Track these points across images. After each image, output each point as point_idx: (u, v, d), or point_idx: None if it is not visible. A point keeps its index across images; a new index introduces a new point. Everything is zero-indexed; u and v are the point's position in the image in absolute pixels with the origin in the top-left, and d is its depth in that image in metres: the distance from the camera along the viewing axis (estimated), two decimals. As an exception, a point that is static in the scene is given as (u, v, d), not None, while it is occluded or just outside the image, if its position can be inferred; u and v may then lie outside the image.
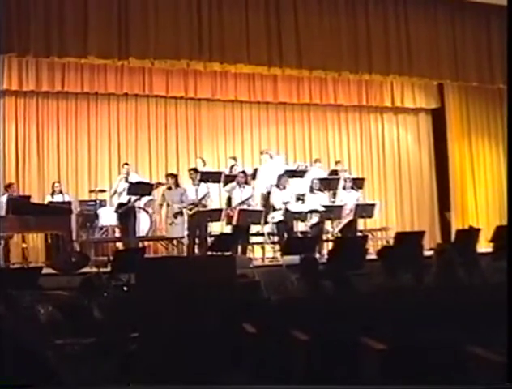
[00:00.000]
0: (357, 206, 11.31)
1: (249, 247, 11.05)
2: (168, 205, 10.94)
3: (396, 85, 14.16)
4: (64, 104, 12.47)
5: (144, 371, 4.79)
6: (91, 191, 11.83)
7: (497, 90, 13.85)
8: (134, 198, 10.72)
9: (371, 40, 12.17)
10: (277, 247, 11.00)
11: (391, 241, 10.00)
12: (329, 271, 7.08)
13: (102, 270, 8.59)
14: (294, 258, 8.57)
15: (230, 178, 11.33)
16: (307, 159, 13.57)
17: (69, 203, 11.16)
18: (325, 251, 10.55)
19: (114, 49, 10.64)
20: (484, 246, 9.72)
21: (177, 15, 10.98)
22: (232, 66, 11.74)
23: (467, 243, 8.63)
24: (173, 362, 4.76)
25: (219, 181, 11.36)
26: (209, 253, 9.43)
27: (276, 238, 11.14)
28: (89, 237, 11.11)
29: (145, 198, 11.24)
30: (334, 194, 11.84)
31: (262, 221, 10.80)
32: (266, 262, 10.73)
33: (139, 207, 11.11)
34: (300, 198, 11.27)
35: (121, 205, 10.85)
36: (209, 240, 10.39)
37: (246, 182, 11.18)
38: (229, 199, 11.25)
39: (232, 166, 12.03)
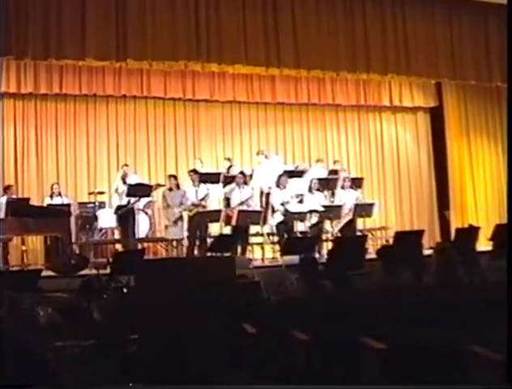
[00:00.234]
0: (356, 205, 11.30)
1: (249, 248, 11.05)
2: (168, 206, 10.91)
3: (394, 84, 14.16)
4: (62, 107, 12.47)
5: (144, 373, 4.79)
6: (90, 193, 11.83)
7: (495, 88, 13.87)
8: (133, 199, 10.72)
9: (369, 40, 12.16)
10: (277, 247, 11.00)
11: (391, 241, 9.99)
12: (328, 271, 7.09)
13: (101, 272, 8.58)
14: (293, 259, 8.58)
15: (229, 179, 11.33)
16: (306, 159, 13.59)
17: (68, 205, 11.16)
18: (324, 251, 10.55)
19: (112, 50, 10.63)
20: (483, 245, 9.72)
21: (174, 16, 10.97)
22: (230, 67, 11.74)
23: (467, 242, 8.64)
24: (173, 363, 4.76)
25: (218, 182, 11.38)
26: (208, 254, 9.44)
27: (276, 238, 11.14)
28: (88, 239, 11.11)
29: (144, 200, 11.24)
30: (333, 194, 11.83)
31: (262, 222, 10.81)
32: (266, 263, 10.73)
33: (139, 209, 11.11)
34: (299, 198, 11.26)
35: (120, 207, 10.85)
36: (208, 241, 10.39)
37: (245, 183, 11.18)
38: (227, 200, 11.24)
39: (230, 167, 12.03)
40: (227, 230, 10.81)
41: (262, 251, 11.14)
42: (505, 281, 4.33)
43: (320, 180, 11.59)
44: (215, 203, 11.42)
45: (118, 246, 11.29)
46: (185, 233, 10.85)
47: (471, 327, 3.98)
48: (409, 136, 14.74)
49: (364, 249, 9.08)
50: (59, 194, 11.34)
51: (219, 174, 11.67)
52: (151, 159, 12.97)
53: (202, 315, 4.99)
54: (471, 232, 9.49)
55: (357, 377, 3.92)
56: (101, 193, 11.72)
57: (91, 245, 11.05)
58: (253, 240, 11.25)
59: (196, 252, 10.62)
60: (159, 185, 11.68)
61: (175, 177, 11.23)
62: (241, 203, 10.82)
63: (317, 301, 5.45)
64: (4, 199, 10.46)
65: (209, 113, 13.42)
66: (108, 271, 8.30)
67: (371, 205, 11.66)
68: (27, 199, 10.89)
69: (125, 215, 10.72)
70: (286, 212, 10.82)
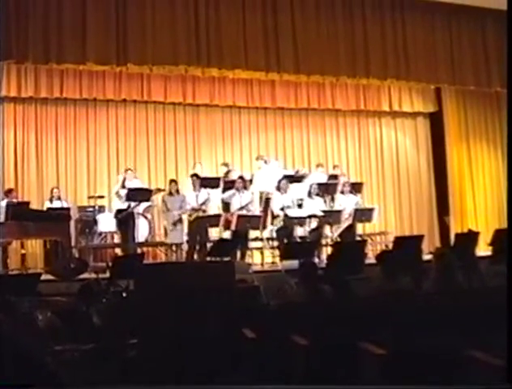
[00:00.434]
0: (356, 210, 11.31)
1: (249, 252, 11.05)
2: (168, 210, 10.90)
3: (394, 89, 14.18)
4: (63, 111, 12.48)
5: (143, 377, 4.79)
6: (89, 197, 11.82)
7: (494, 93, 13.90)
8: (133, 204, 10.72)
9: (368, 45, 12.20)
10: (276, 252, 11.00)
11: (390, 246, 9.99)
12: (328, 276, 7.08)
13: (101, 276, 8.57)
14: (293, 263, 8.58)
15: (228, 184, 11.31)
16: (305, 164, 13.60)
17: (68, 209, 11.16)
18: (324, 256, 10.55)
19: (112, 55, 10.65)
20: (483, 250, 9.72)
21: (174, 21, 11.01)
22: (230, 72, 11.76)
23: (466, 247, 8.63)
24: (173, 368, 4.75)
25: (218, 187, 11.38)
26: (208, 258, 9.43)
27: (275, 243, 11.14)
28: (88, 243, 11.11)
29: (144, 204, 11.24)
30: (333, 199, 11.84)
31: (261, 226, 10.81)
32: (266, 268, 10.73)
33: (138, 213, 11.11)
34: (298, 202, 11.26)
35: (120, 211, 10.85)
36: (208, 245, 10.38)
37: (245, 187, 11.18)
38: (226, 205, 11.21)
39: (228, 172, 12.02)
40: (226, 235, 10.81)
41: (262, 256, 11.14)
42: (505, 286, 4.34)
43: (320, 185, 11.61)
44: (215, 207, 11.41)
45: (118, 250, 11.28)
46: (185, 238, 10.85)
47: (470, 332, 3.98)
48: (409, 141, 14.75)
49: (364, 254, 9.08)
50: (59, 198, 11.34)
51: (219, 179, 11.68)
52: (150, 163, 12.98)
53: (201, 320, 4.98)
54: (471, 238, 9.48)
55: (356, 383, 3.92)
56: (101, 197, 11.71)
57: (90, 249, 11.04)
58: (252, 245, 11.25)
59: (195, 256, 10.61)
60: (159, 190, 11.67)
61: (175, 182, 11.22)
62: (241, 208, 10.82)
63: (316, 306, 5.44)
64: (4, 203, 10.46)
65: (209, 118, 13.43)
66: (107, 275, 8.30)
67: (371, 210, 11.67)
68: (27, 203, 10.89)
69: (125, 220, 10.71)
70: (285, 217, 10.82)
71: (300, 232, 10.86)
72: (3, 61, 10.52)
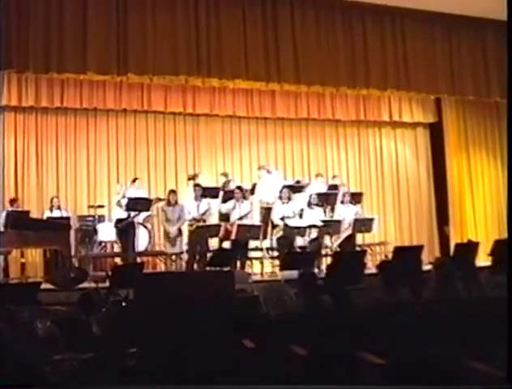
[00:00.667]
0: (356, 220, 11.31)
1: (248, 262, 11.04)
2: (167, 220, 10.88)
3: (394, 100, 14.21)
4: (63, 120, 12.50)
5: (143, 387, 4.77)
6: (89, 206, 11.84)
7: (493, 103, 13.93)
8: (133, 213, 10.72)
9: (368, 56, 12.24)
10: (276, 262, 10.99)
11: (390, 256, 9.98)
12: (327, 286, 7.07)
13: (101, 285, 8.56)
14: (293, 273, 8.57)
15: (228, 195, 11.30)
16: (305, 174, 13.62)
17: (68, 218, 11.16)
18: (324, 266, 10.54)
19: (113, 65, 10.68)
20: (483, 260, 9.71)
21: (175, 31, 11.04)
22: (230, 82, 11.78)
23: (466, 257, 8.63)
24: (172, 377, 4.74)
25: (217, 197, 11.37)
26: (208, 268, 9.42)
27: (275, 253, 11.13)
28: (88, 253, 11.11)
29: (144, 214, 11.24)
30: (333, 209, 11.83)
31: (262, 236, 10.81)
32: (265, 277, 10.71)
33: (138, 223, 11.11)
34: (299, 213, 11.25)
35: (120, 220, 10.85)
36: (208, 255, 10.37)
37: (244, 197, 11.17)
38: (224, 215, 11.16)
39: (228, 182, 12.01)
40: (226, 245, 10.79)
41: (262, 266, 11.12)
42: (505, 296, 4.34)
43: (319, 195, 11.59)
44: (215, 217, 11.39)
45: (117, 260, 11.27)
46: (184, 247, 10.84)
47: (470, 342, 3.97)
48: (408, 151, 14.77)
49: (363, 264, 9.07)
50: (59, 208, 11.35)
51: (218, 189, 11.69)
52: (150, 173, 12.99)
53: (201, 329, 4.98)
54: (471, 248, 9.47)
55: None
56: (101, 206, 11.73)
57: (90, 259, 11.05)
58: (252, 254, 11.24)
59: (195, 266, 10.60)
60: (159, 199, 11.68)
61: (175, 192, 11.21)
62: (240, 218, 10.81)
63: (316, 316, 5.43)
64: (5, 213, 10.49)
65: (209, 128, 13.45)
66: (107, 284, 8.29)
67: (370, 220, 11.66)
68: (27, 212, 10.90)
69: (125, 229, 10.71)
70: (286, 227, 10.82)
71: (299, 242, 10.85)
72: (4, 70, 10.56)
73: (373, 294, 6.48)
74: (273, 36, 11.66)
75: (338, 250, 11.10)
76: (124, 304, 7.00)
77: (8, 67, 10.32)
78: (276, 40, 11.66)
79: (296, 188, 11.95)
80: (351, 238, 11.27)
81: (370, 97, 13.83)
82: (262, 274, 10.96)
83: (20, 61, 10.28)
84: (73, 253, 10.65)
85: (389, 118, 14.35)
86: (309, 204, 11.22)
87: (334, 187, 12.44)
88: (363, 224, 11.44)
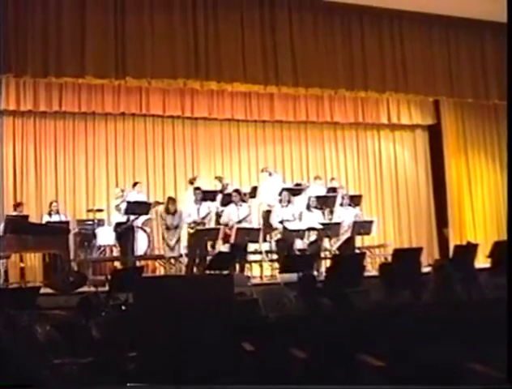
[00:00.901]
0: (355, 223, 11.30)
1: (247, 265, 11.03)
2: (167, 228, 10.88)
3: (392, 102, 14.21)
4: (61, 124, 12.49)
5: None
6: (88, 211, 11.83)
7: (492, 105, 13.94)
8: (132, 217, 10.71)
9: (367, 58, 12.26)
10: (275, 265, 10.99)
11: (389, 258, 9.98)
12: (327, 289, 7.07)
13: (100, 289, 8.55)
14: (292, 276, 8.56)
15: (227, 198, 11.28)
16: (304, 177, 13.60)
17: (67, 222, 11.16)
18: (323, 269, 10.54)
19: (111, 68, 10.69)
20: (482, 262, 9.72)
21: (173, 35, 11.05)
22: (228, 85, 11.78)
23: (465, 259, 8.63)
24: (171, 380, 4.74)
25: (214, 200, 11.35)
26: (207, 271, 9.42)
27: (274, 256, 11.12)
28: (87, 257, 11.09)
29: (143, 217, 11.23)
30: (332, 212, 11.83)
31: (261, 239, 10.80)
32: (265, 280, 10.71)
33: (137, 226, 11.10)
34: (298, 215, 11.25)
35: (119, 224, 10.84)
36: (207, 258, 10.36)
37: (243, 200, 11.16)
38: (221, 217, 11.13)
39: (226, 185, 11.98)
40: (222, 247, 10.77)
41: (261, 269, 11.12)
42: (504, 298, 4.34)
43: (318, 197, 11.58)
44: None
45: (117, 264, 11.26)
46: (183, 251, 10.84)
47: (469, 344, 3.97)
48: (407, 154, 14.77)
49: (363, 266, 9.07)
50: (57, 212, 11.34)
51: (217, 192, 11.67)
52: (149, 176, 12.97)
53: (200, 333, 4.97)
54: (470, 250, 9.47)
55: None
56: (100, 210, 11.72)
57: (89, 263, 11.02)
58: (251, 257, 11.23)
59: (195, 270, 10.59)
60: (157, 203, 11.68)
61: (174, 200, 11.20)
62: (239, 222, 10.79)
63: (315, 319, 5.43)
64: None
65: (207, 131, 13.45)
66: (106, 288, 8.28)
67: (370, 223, 11.65)
68: (26, 217, 10.90)
69: (125, 233, 10.70)
70: (285, 230, 10.81)
71: (299, 244, 10.85)
72: (2, 74, 10.54)
73: (373, 296, 6.49)
74: (271, 39, 11.68)
75: (337, 252, 11.09)
76: (123, 308, 6.99)
77: (6, 71, 10.32)
78: (274, 43, 11.67)
79: (295, 191, 11.94)
80: (350, 241, 11.27)
81: (369, 100, 13.83)
82: (261, 277, 10.96)
83: (18, 65, 10.29)
84: (72, 257, 10.64)
85: (387, 121, 14.34)
86: (308, 207, 11.21)
87: (333, 190, 12.43)
88: (362, 227, 11.43)
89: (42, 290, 8.01)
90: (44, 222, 11.13)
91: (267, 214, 11.38)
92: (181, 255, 10.87)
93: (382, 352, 3.93)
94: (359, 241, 12.09)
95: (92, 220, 11.49)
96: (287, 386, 4.03)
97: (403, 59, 12.58)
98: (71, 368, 4.89)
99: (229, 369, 4.70)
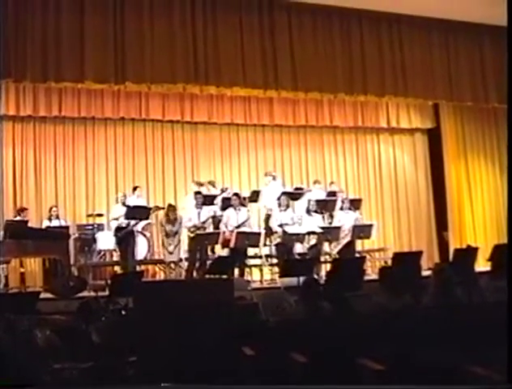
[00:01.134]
0: (355, 227, 11.29)
1: (247, 269, 11.02)
2: (167, 235, 10.87)
3: (391, 106, 14.22)
4: (61, 129, 12.49)
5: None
6: (88, 215, 11.82)
7: (491, 109, 13.95)
8: (132, 221, 10.71)
9: (366, 62, 12.28)
10: (275, 269, 10.98)
11: (389, 262, 9.98)
12: (327, 293, 7.07)
13: (100, 294, 8.55)
14: (292, 280, 8.56)
15: (226, 203, 11.27)
16: (304, 181, 13.60)
17: (66, 227, 11.15)
18: (323, 273, 10.53)
19: (111, 73, 10.70)
20: (482, 265, 9.72)
21: (172, 40, 11.07)
22: (228, 90, 11.79)
23: (465, 262, 8.62)
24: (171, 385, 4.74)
25: (213, 204, 11.34)
26: (207, 276, 9.41)
27: (274, 260, 11.12)
28: (87, 261, 11.09)
29: (143, 222, 11.23)
30: (331, 216, 11.82)
31: (261, 243, 10.79)
32: (265, 285, 10.70)
33: (137, 231, 11.10)
34: (298, 221, 11.23)
35: (119, 229, 10.83)
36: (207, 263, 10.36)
37: (243, 204, 11.15)
38: (219, 221, 11.14)
39: (226, 189, 11.97)
40: (223, 252, 10.76)
41: (261, 273, 11.12)
42: (504, 301, 4.34)
43: (318, 201, 11.58)
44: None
45: (117, 268, 11.26)
46: (183, 255, 10.83)
47: (469, 347, 3.97)
48: (407, 157, 14.78)
49: (363, 270, 9.06)
50: (57, 217, 11.33)
51: (217, 197, 11.67)
52: (149, 181, 12.97)
53: (200, 337, 4.97)
54: (470, 253, 9.47)
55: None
56: (100, 215, 11.71)
57: (89, 268, 11.02)
58: (251, 262, 11.23)
59: (195, 274, 10.59)
60: (157, 208, 11.68)
61: (174, 207, 11.19)
62: (238, 226, 10.77)
63: (315, 323, 5.43)
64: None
65: (207, 136, 13.45)
66: (106, 293, 8.28)
67: (370, 226, 11.64)
68: (26, 222, 10.90)
69: (125, 238, 10.69)
70: (284, 234, 10.80)
71: (298, 249, 10.84)
72: (2, 79, 10.55)
73: (373, 300, 6.48)
74: (270, 43, 11.70)
75: (337, 256, 11.09)
76: (123, 312, 6.99)
77: (6, 76, 10.33)
78: (274, 48, 11.69)
79: (295, 195, 11.94)
80: (350, 245, 11.26)
81: (368, 104, 13.84)
82: (261, 281, 10.96)
83: (18, 70, 10.30)
84: (72, 262, 10.64)
85: (387, 124, 14.35)
86: (308, 211, 11.21)
87: (333, 194, 12.43)
88: (362, 231, 11.43)
89: (42, 295, 8.02)
90: (44, 227, 11.13)
91: (268, 218, 11.38)
92: (180, 260, 10.87)
93: (383, 355, 3.93)
94: (359, 244, 12.08)
95: (92, 225, 11.49)
96: (287, 387, 4.02)
97: (403, 63, 12.59)
98: (71, 373, 4.88)
99: (229, 373, 4.69)
